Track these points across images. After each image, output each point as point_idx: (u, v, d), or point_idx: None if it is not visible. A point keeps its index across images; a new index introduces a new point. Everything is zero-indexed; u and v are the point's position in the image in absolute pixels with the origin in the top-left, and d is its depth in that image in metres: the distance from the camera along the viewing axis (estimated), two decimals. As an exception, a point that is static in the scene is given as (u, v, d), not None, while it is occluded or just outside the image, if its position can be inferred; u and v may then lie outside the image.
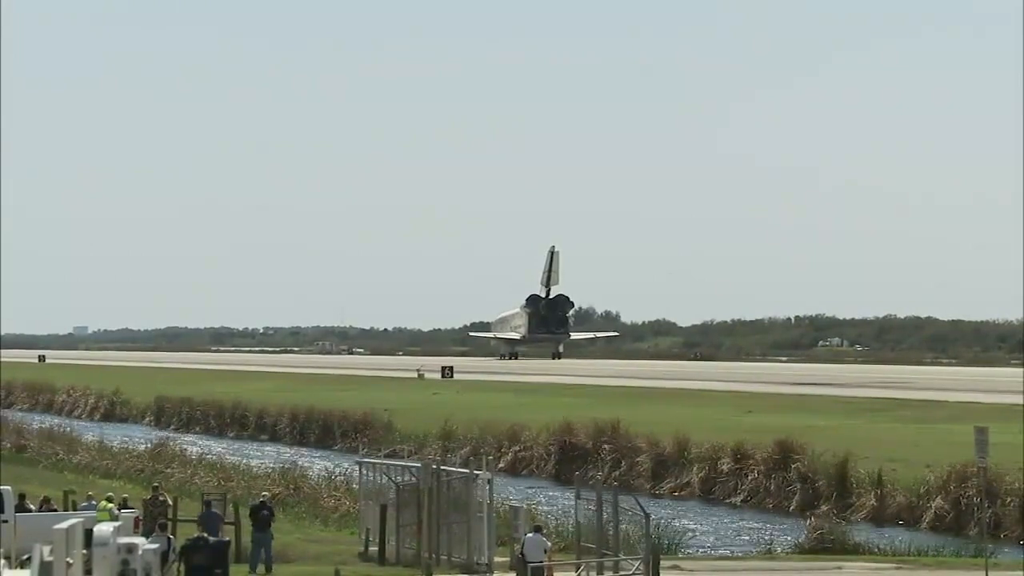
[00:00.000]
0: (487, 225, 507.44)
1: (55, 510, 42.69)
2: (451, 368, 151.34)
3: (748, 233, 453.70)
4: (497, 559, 40.08)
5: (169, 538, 36.68)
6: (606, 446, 77.34)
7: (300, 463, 76.57)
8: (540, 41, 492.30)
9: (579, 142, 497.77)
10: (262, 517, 42.03)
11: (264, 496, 45.53)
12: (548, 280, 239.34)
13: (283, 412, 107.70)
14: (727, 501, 67.33)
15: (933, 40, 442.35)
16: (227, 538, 37.69)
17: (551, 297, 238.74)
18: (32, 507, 42.74)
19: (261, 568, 41.01)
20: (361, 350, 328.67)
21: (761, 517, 62.34)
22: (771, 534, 55.86)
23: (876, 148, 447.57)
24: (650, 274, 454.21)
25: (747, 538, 56.54)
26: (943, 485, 57.92)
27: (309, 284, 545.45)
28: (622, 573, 36.88)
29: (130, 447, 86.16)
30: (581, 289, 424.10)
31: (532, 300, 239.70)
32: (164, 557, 29.82)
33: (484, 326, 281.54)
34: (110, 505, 40.16)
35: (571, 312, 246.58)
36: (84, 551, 19.87)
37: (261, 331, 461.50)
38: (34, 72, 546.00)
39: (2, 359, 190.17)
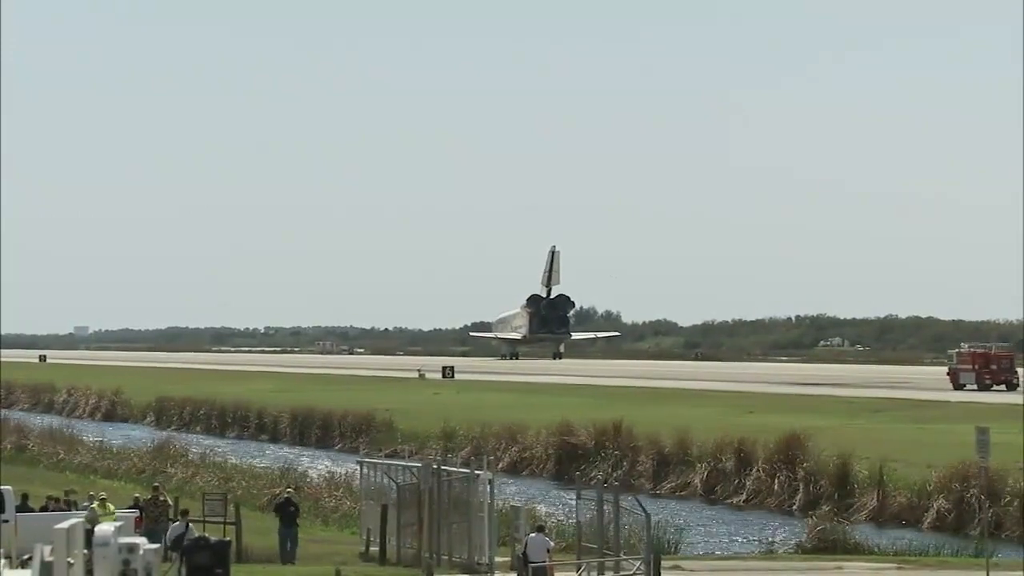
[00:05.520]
0: (487, 225, 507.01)
1: (64, 509, 42.72)
2: (452, 368, 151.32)
3: (748, 233, 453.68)
4: (498, 559, 40.10)
5: (188, 524, 39.23)
6: (607, 446, 77.37)
7: (300, 463, 76.65)
8: (540, 42, 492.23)
9: (579, 142, 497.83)
10: (289, 513, 44.18)
11: (289, 492, 47.42)
12: (549, 280, 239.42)
13: (283, 412, 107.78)
14: (728, 501, 67.35)
15: (933, 39, 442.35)
16: (228, 538, 38.00)
17: (552, 297, 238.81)
18: (34, 507, 42.80)
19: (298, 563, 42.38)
20: (361, 350, 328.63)
21: (763, 517, 62.38)
22: (772, 534, 55.88)
23: (876, 148, 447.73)
24: (650, 274, 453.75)
25: (748, 538, 56.57)
26: (944, 485, 57.97)
27: (309, 284, 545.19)
28: (623, 573, 36.92)
29: (131, 447, 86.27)
30: (581, 289, 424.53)
31: (533, 300, 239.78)
32: (180, 539, 32.59)
33: (484, 326, 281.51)
34: (100, 510, 40.20)
35: (572, 312, 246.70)
36: (85, 551, 19.84)
37: (262, 331, 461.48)
38: (34, 72, 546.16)
39: (2, 359, 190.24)
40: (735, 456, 69.39)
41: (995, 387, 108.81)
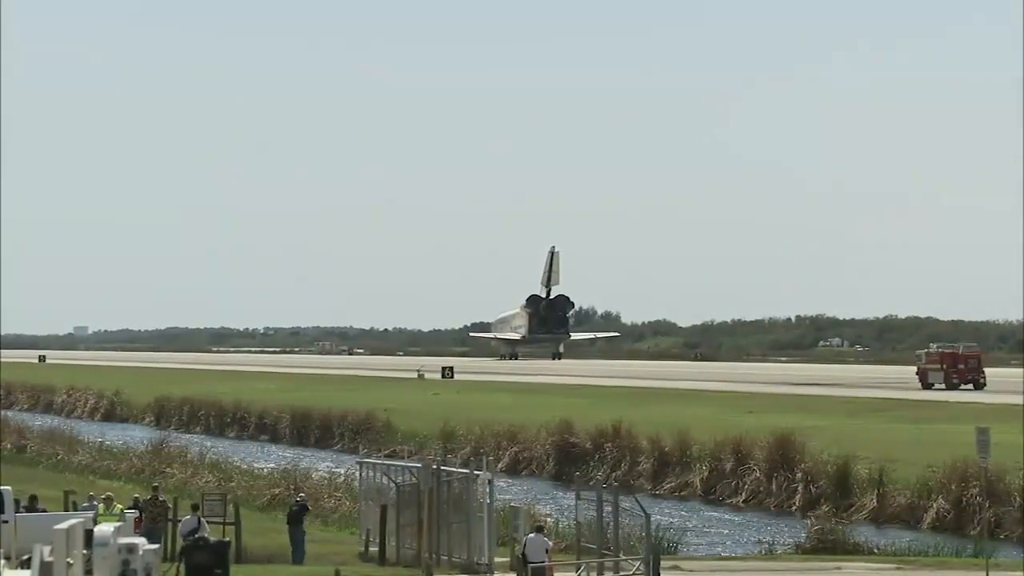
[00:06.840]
0: (487, 225, 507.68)
1: (43, 510, 42.65)
2: (451, 368, 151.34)
3: (748, 233, 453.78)
4: (497, 559, 40.08)
5: (200, 518, 40.14)
6: (606, 446, 77.35)
7: (300, 463, 76.62)
8: (540, 41, 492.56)
9: (579, 142, 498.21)
10: (293, 513, 45.19)
11: (300, 497, 47.96)
12: (548, 280, 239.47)
13: (283, 412, 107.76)
14: (728, 501, 67.34)
15: (933, 39, 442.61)
16: (227, 538, 38.09)
17: (551, 297, 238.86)
18: (45, 509, 42.73)
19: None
20: (361, 350, 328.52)
21: (762, 517, 62.37)
22: (772, 534, 55.85)
23: (877, 148, 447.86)
24: (650, 274, 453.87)
25: (748, 538, 56.55)
26: (944, 485, 57.95)
27: (309, 284, 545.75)
28: (622, 573, 36.90)
29: (130, 447, 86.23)
30: (581, 289, 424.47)
31: (532, 300, 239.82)
32: (193, 534, 33.65)
33: (484, 326, 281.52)
34: (103, 509, 40.22)
35: (571, 312, 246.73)
36: (84, 551, 19.84)
37: (261, 331, 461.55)
38: (34, 72, 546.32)
39: (2, 359, 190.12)
40: (734, 456, 69.36)
41: (963, 386, 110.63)
